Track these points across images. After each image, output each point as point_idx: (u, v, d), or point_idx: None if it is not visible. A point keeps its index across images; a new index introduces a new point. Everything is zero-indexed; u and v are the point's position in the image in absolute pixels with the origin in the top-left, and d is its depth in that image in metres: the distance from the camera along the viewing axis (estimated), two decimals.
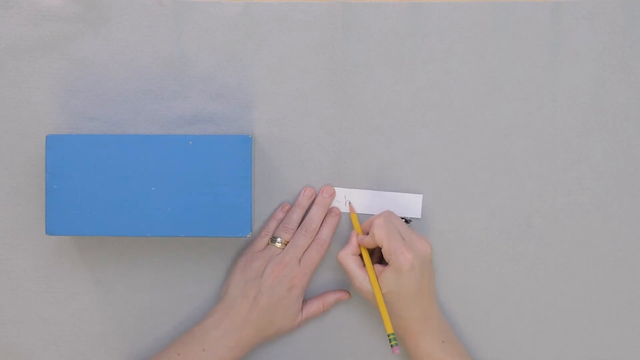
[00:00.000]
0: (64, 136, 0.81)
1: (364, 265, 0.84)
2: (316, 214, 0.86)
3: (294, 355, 0.89)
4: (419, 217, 0.88)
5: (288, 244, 0.85)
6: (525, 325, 0.89)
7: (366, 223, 0.85)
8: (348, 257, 0.84)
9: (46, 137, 0.81)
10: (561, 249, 0.89)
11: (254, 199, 0.85)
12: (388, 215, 0.83)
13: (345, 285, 0.89)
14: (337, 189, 0.88)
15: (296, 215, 0.86)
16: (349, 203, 0.87)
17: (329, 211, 0.87)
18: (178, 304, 0.88)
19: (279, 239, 0.85)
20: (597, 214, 0.89)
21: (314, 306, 0.87)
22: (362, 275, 0.83)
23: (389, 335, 0.82)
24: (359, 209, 0.88)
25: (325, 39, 0.88)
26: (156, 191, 0.81)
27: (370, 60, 0.88)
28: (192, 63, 0.88)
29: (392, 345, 0.81)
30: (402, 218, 0.86)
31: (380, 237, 0.81)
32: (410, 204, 0.88)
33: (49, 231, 0.81)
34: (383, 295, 0.82)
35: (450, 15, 0.88)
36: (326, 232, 0.86)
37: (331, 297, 0.87)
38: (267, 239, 0.86)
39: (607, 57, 0.88)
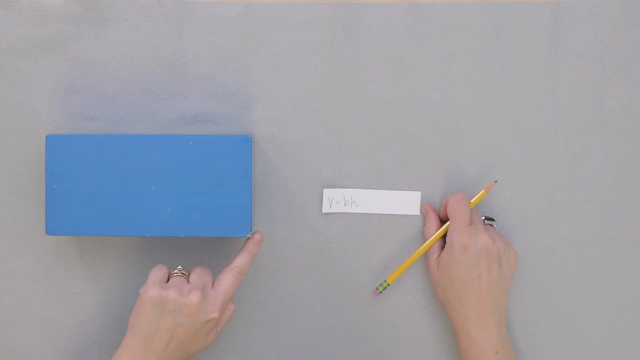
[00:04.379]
0: (64, 136, 0.81)
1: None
2: None
3: (294, 355, 0.89)
4: (418, 214, 0.88)
5: (194, 273, 0.80)
6: (525, 325, 0.89)
7: (446, 200, 0.87)
8: (432, 211, 0.87)
9: (46, 137, 0.81)
10: (561, 249, 0.89)
11: (254, 199, 0.85)
12: (464, 197, 0.84)
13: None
14: (337, 189, 0.88)
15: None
16: (490, 184, 0.88)
17: (251, 237, 0.82)
18: None
19: (179, 267, 0.80)
20: (597, 214, 0.89)
21: (223, 318, 0.81)
22: (436, 227, 0.86)
23: (383, 283, 0.86)
24: (359, 209, 0.88)
25: (325, 39, 0.88)
26: (156, 191, 0.81)
27: (370, 60, 0.88)
28: (192, 63, 0.88)
29: (377, 289, 0.86)
30: (484, 217, 0.87)
31: (453, 210, 0.83)
32: (409, 201, 0.88)
33: (49, 231, 0.81)
34: (436, 276, 0.84)
35: (450, 15, 0.88)
36: (245, 260, 0.81)
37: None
38: (164, 270, 0.80)
39: (607, 57, 0.88)
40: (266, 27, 0.88)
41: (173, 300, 0.76)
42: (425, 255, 0.87)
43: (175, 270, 0.80)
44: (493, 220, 0.87)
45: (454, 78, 0.88)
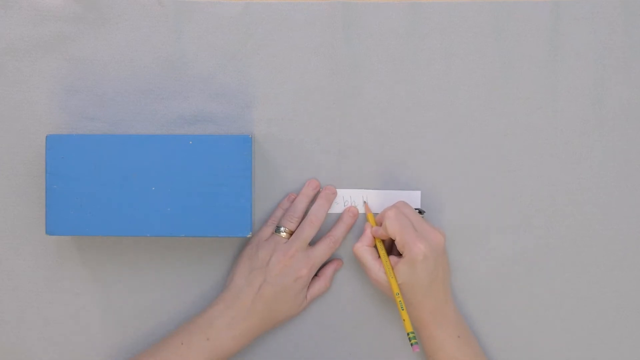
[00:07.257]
0: (64, 136, 0.81)
1: (379, 257, 0.84)
2: (321, 207, 0.86)
3: (294, 355, 0.89)
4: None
5: (293, 235, 0.85)
6: (525, 325, 0.89)
7: (380, 215, 0.85)
8: (363, 249, 0.84)
9: (46, 137, 0.81)
10: (561, 249, 0.89)
11: (254, 199, 0.85)
12: (400, 206, 0.83)
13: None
14: (337, 190, 0.88)
15: (301, 205, 0.86)
16: (365, 202, 0.87)
17: (347, 211, 0.87)
18: (178, 304, 0.88)
19: (282, 228, 0.85)
20: (597, 214, 0.89)
21: (316, 288, 0.86)
22: (378, 267, 0.83)
23: (408, 334, 0.81)
24: (358, 209, 0.88)
25: (325, 39, 0.88)
26: (156, 191, 0.81)
27: (370, 60, 0.88)
28: (192, 63, 0.88)
29: (411, 344, 0.80)
30: (416, 209, 0.86)
31: (393, 228, 0.81)
32: (409, 201, 0.88)
33: (49, 231, 0.81)
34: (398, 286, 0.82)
35: (450, 15, 0.88)
36: (341, 231, 0.87)
37: (329, 271, 0.87)
38: (272, 227, 0.86)
39: (607, 57, 0.88)
40: (266, 27, 0.88)
41: (262, 259, 0.83)
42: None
43: (277, 228, 0.85)
44: (424, 212, 0.87)
45: (454, 78, 0.88)
